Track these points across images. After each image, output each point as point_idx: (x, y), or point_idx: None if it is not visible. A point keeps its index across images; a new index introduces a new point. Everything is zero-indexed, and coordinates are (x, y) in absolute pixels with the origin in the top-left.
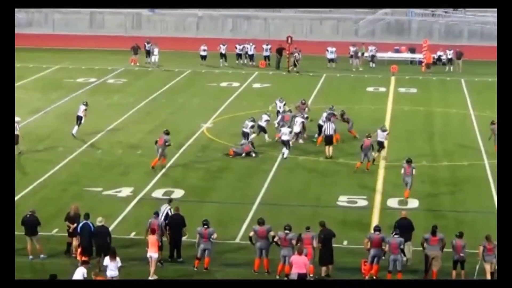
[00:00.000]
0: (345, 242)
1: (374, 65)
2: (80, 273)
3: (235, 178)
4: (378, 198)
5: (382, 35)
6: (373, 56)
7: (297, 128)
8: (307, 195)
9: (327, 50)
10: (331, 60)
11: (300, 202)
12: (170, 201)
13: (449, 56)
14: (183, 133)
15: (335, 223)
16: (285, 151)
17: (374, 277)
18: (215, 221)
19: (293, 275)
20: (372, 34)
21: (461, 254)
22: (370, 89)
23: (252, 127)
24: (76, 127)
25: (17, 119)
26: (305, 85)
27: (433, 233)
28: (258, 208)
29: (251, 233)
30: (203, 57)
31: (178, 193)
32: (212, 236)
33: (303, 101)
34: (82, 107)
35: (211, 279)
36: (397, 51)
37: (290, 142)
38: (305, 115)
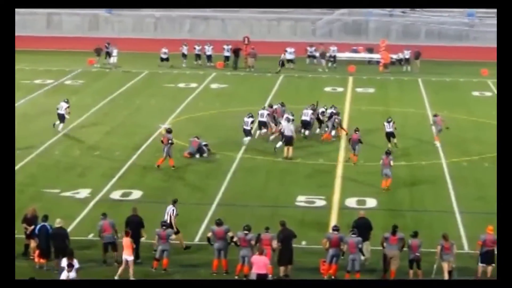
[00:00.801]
0: (303, 242)
1: (335, 65)
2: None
3: (194, 179)
4: (336, 198)
5: (340, 35)
6: (334, 57)
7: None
8: (266, 195)
9: (286, 51)
10: (290, 61)
11: (259, 203)
12: (175, 201)
13: (407, 56)
14: (141, 134)
15: (294, 223)
16: (279, 143)
17: (333, 277)
18: None
19: (253, 275)
20: (329, 34)
21: (417, 254)
22: (328, 89)
23: (252, 122)
24: (60, 125)
25: None
26: (263, 86)
27: (393, 232)
28: (216, 208)
29: (209, 234)
30: (163, 59)
31: (136, 194)
32: (170, 237)
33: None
34: (64, 105)
35: (169, 279)
36: (355, 51)
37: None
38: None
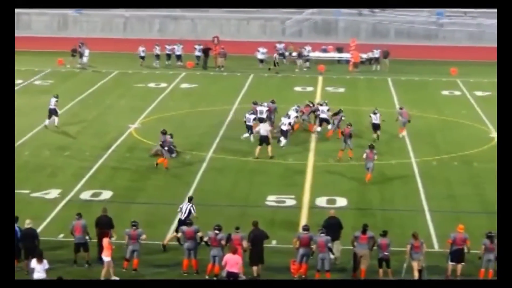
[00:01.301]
0: (274, 242)
1: (308, 64)
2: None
3: (164, 179)
4: (306, 197)
5: (310, 34)
6: (307, 56)
7: (291, 120)
8: (236, 195)
9: (258, 51)
10: (261, 61)
11: (229, 202)
12: (191, 199)
13: (376, 55)
14: (111, 134)
15: (264, 222)
16: (283, 140)
17: (303, 276)
18: (143, 222)
19: (224, 273)
20: (299, 33)
21: (386, 253)
22: (297, 88)
23: (255, 119)
24: (56, 119)
25: None
26: (233, 85)
27: (363, 231)
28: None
29: (179, 234)
30: (142, 58)
31: (106, 194)
32: (140, 237)
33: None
34: (53, 100)
35: (140, 279)
36: (325, 50)
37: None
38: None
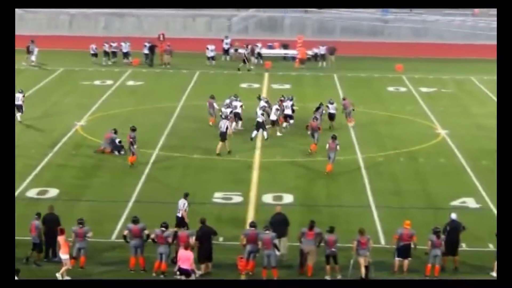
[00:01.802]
0: (221, 239)
1: (261, 61)
2: None
3: (110, 176)
4: (253, 194)
5: (256, 31)
6: (259, 53)
7: (273, 116)
8: (182, 192)
9: (207, 48)
10: (211, 58)
11: (175, 200)
12: (186, 195)
13: (322, 52)
14: (57, 132)
15: (211, 219)
16: (264, 133)
17: (251, 273)
18: (90, 219)
19: (176, 269)
20: (245, 30)
21: (333, 249)
22: (244, 85)
23: (263, 114)
24: (18, 115)
25: None
26: (179, 83)
27: (310, 227)
28: (133, 206)
29: (125, 232)
30: (95, 55)
31: (52, 192)
32: (87, 235)
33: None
34: (19, 95)
35: (87, 278)
36: (270, 47)
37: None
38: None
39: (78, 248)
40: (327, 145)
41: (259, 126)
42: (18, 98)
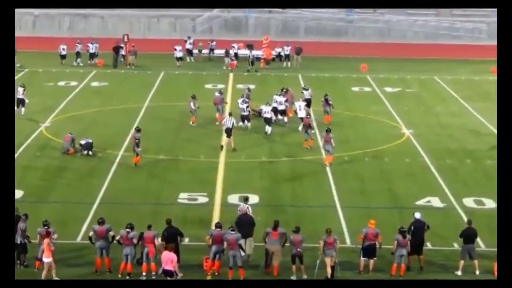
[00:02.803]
0: (186, 239)
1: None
2: None
3: (75, 177)
4: (218, 194)
5: (220, 32)
6: (235, 54)
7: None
8: (148, 193)
9: (175, 49)
10: (179, 59)
11: (141, 200)
12: (247, 199)
13: (287, 52)
14: (22, 133)
15: (177, 220)
16: (268, 128)
17: (216, 273)
18: (55, 221)
19: (160, 271)
20: (210, 31)
21: (299, 249)
22: (208, 86)
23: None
24: (22, 109)
25: None
26: (144, 83)
27: (274, 227)
28: (98, 207)
29: (91, 233)
30: (63, 56)
31: (17, 194)
32: (52, 236)
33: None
34: (21, 89)
35: (53, 279)
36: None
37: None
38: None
39: (43, 250)
40: (322, 139)
41: (268, 121)
42: (19, 92)
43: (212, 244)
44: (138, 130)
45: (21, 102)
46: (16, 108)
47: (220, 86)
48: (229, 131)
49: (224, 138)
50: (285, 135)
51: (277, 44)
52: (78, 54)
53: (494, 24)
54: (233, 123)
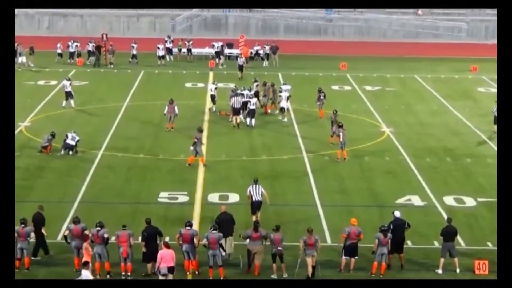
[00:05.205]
0: (167, 238)
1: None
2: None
3: (55, 177)
4: (199, 193)
5: (200, 31)
6: (216, 52)
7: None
8: (127, 192)
9: (158, 48)
10: (161, 57)
11: (121, 200)
12: (256, 181)
13: (267, 51)
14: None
15: (157, 219)
16: (252, 121)
17: (197, 272)
18: None
19: (163, 269)
20: (189, 30)
21: (279, 248)
22: (188, 85)
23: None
24: (71, 101)
25: None
26: (123, 82)
27: (255, 229)
28: (78, 206)
29: (66, 232)
30: (60, 55)
31: None
32: (29, 235)
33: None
34: (67, 83)
35: (33, 279)
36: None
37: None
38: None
39: (20, 248)
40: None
41: (252, 113)
42: (66, 85)
43: (182, 243)
44: (200, 130)
45: (69, 95)
46: (65, 101)
47: (200, 85)
48: (237, 111)
49: (234, 117)
50: (266, 134)
51: (255, 43)
52: (59, 54)
53: (473, 22)
54: (241, 103)
